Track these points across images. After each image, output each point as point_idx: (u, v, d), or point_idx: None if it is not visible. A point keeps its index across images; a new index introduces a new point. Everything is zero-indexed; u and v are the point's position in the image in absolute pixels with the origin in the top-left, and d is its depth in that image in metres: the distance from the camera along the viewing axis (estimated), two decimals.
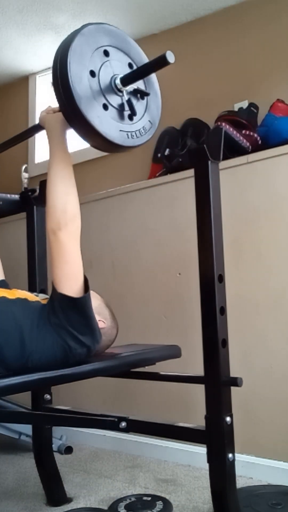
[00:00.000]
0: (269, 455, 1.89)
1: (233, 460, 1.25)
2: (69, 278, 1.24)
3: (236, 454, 1.27)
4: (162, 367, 1.58)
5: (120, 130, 1.17)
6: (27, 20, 2.63)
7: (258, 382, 1.92)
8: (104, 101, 1.15)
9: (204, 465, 1.29)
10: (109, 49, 1.21)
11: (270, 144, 2.01)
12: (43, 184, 1.88)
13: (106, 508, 1.69)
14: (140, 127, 1.23)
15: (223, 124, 2.01)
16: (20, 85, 3.30)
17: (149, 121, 1.26)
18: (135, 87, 1.20)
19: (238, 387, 1.30)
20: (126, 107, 1.19)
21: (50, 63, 3.45)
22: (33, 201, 1.84)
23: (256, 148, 2.05)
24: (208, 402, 1.29)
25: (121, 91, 1.18)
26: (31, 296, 1.37)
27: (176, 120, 2.42)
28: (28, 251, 1.84)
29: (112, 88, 1.18)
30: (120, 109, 1.19)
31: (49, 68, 3.16)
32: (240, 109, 2.27)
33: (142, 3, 2.48)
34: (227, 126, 1.96)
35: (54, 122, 1.27)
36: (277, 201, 1.95)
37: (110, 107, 1.17)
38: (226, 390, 1.29)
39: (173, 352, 1.61)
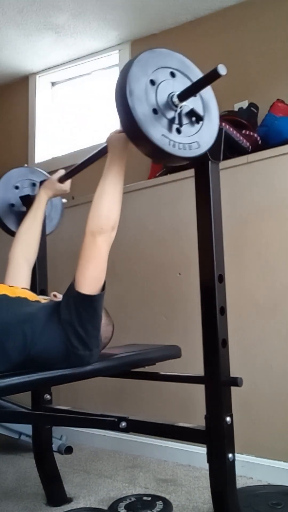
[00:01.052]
0: (269, 455, 1.89)
1: (233, 460, 1.25)
2: (93, 281, 1.29)
3: (236, 454, 1.26)
4: (162, 367, 1.58)
5: (162, 135, 1.16)
6: (27, 20, 2.63)
7: (258, 382, 1.92)
8: (155, 107, 1.17)
9: (204, 465, 1.29)
10: (173, 71, 1.25)
11: (270, 144, 2.02)
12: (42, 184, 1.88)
13: (106, 508, 1.69)
14: (186, 142, 1.21)
15: (223, 124, 2.01)
16: (20, 85, 3.30)
17: (197, 142, 1.24)
18: (192, 107, 1.22)
19: (238, 387, 1.30)
20: (177, 121, 1.20)
21: (50, 63, 3.49)
22: (33, 201, 1.84)
23: (256, 148, 2.05)
24: (208, 402, 1.29)
25: (176, 107, 1.20)
26: (32, 295, 1.39)
27: None
28: None
29: (168, 104, 1.19)
30: (171, 121, 1.19)
31: (49, 68, 3.17)
32: (240, 109, 2.27)
33: (142, 3, 2.48)
34: (227, 126, 1.96)
35: (117, 141, 1.36)
36: (277, 201, 1.95)
37: (161, 115, 1.18)
38: (226, 390, 1.29)
39: (173, 352, 1.61)
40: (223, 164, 1.35)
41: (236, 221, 2.00)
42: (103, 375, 1.43)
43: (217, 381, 1.27)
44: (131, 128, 1.14)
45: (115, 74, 2.95)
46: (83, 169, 1.74)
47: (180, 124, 1.20)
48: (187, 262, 2.14)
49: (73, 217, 2.63)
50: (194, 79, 1.26)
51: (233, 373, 1.32)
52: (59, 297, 1.39)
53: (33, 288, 1.79)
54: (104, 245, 1.30)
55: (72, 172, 1.75)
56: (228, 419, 1.26)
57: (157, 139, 1.14)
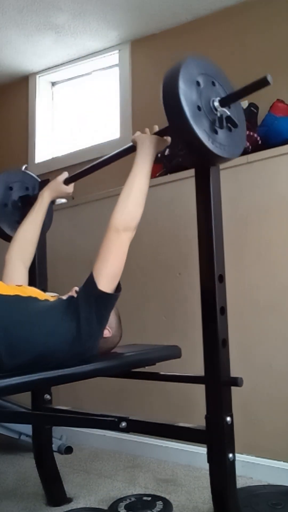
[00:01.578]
0: (269, 455, 1.89)
1: (233, 460, 1.25)
2: (111, 277, 1.30)
3: (236, 454, 1.27)
4: (162, 367, 1.58)
5: (204, 130, 1.22)
6: (27, 20, 2.63)
7: (258, 382, 1.92)
8: (199, 104, 1.24)
9: (204, 465, 1.29)
10: (213, 79, 1.32)
11: (270, 144, 2.01)
12: (42, 184, 1.88)
13: (106, 508, 1.69)
14: (221, 143, 1.28)
15: None
16: (20, 85, 3.30)
17: (229, 146, 1.31)
18: (229, 114, 1.28)
19: (238, 387, 1.30)
20: (217, 123, 1.27)
21: (50, 63, 3.48)
22: (32, 201, 1.84)
23: (256, 148, 2.05)
24: (208, 402, 1.29)
25: (216, 111, 1.27)
26: (40, 294, 1.41)
27: None
28: None
29: (209, 107, 1.26)
30: (211, 122, 1.26)
31: (49, 68, 3.17)
32: None
33: (142, 3, 2.48)
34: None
35: (148, 142, 1.40)
36: (277, 201, 1.95)
37: (203, 113, 1.24)
38: (226, 390, 1.29)
39: (173, 353, 1.61)
40: (223, 164, 1.35)
41: (236, 221, 2.00)
42: (103, 375, 1.43)
43: (217, 381, 1.27)
44: (179, 120, 1.19)
45: (115, 74, 2.95)
46: (91, 172, 1.73)
47: (220, 126, 1.27)
48: (187, 262, 2.14)
49: (73, 217, 2.63)
50: (227, 90, 1.34)
51: (233, 373, 1.32)
52: None
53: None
54: (127, 242, 1.32)
55: (79, 174, 1.74)
56: (228, 419, 1.26)
57: (199, 133, 1.19)
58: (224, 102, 1.28)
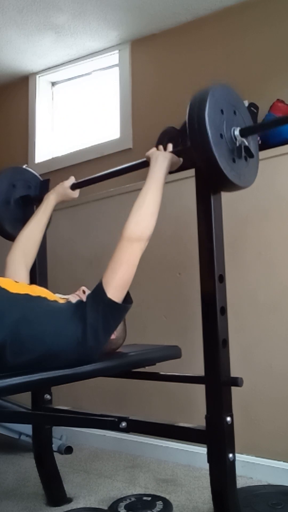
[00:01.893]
0: (269, 455, 1.89)
1: (233, 460, 1.25)
2: (120, 287, 1.32)
3: (236, 454, 1.27)
4: (162, 367, 1.58)
5: (224, 158, 1.26)
6: (27, 20, 2.63)
7: (258, 382, 1.92)
8: (222, 133, 1.28)
9: (204, 465, 1.29)
10: (235, 109, 1.36)
11: (270, 144, 2.01)
12: (43, 184, 1.88)
13: (106, 508, 1.69)
14: (237, 172, 1.32)
15: None
16: (20, 85, 3.30)
17: (244, 175, 1.35)
18: (247, 144, 1.32)
19: (238, 387, 1.30)
20: (235, 152, 1.31)
21: (50, 63, 3.48)
22: (33, 201, 1.85)
23: None
24: (208, 402, 1.29)
25: (236, 140, 1.31)
26: (50, 294, 1.40)
27: (176, 120, 2.42)
28: None
29: (230, 135, 1.30)
30: (231, 150, 1.30)
31: (49, 68, 3.17)
32: None
33: (142, 3, 2.48)
34: None
35: (163, 158, 1.43)
36: (277, 201, 1.95)
37: (225, 141, 1.29)
38: (227, 390, 1.29)
39: (173, 353, 1.61)
40: None
41: (236, 221, 2.00)
42: (103, 375, 1.43)
43: (217, 381, 1.27)
44: (202, 145, 1.23)
45: (115, 74, 2.95)
46: (99, 181, 1.75)
47: (238, 156, 1.32)
48: (187, 262, 2.14)
49: (73, 217, 2.63)
50: (247, 121, 1.40)
51: (233, 373, 1.33)
52: (87, 292, 1.39)
53: None
54: (139, 253, 1.34)
55: (87, 182, 1.75)
56: (228, 419, 1.26)
57: (220, 161, 1.23)
58: (244, 132, 1.32)
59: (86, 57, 3.01)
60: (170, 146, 1.48)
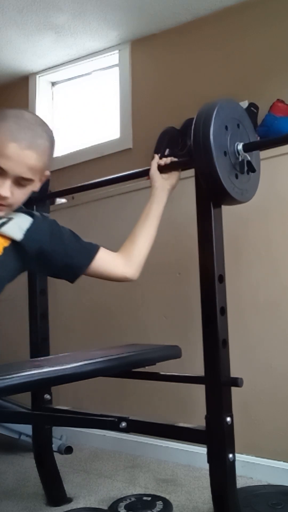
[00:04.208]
0: (269, 455, 1.89)
1: (233, 460, 1.26)
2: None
3: (236, 454, 1.27)
4: (162, 367, 1.58)
5: (227, 175, 1.29)
6: (27, 20, 2.63)
7: (258, 382, 1.92)
8: (226, 150, 1.30)
9: (204, 465, 1.29)
10: (238, 122, 1.37)
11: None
12: (43, 184, 1.88)
13: (106, 508, 1.69)
14: (239, 188, 1.34)
15: None
16: (20, 85, 3.30)
17: (246, 190, 1.38)
18: (249, 159, 1.33)
19: (238, 387, 1.30)
20: (238, 167, 1.32)
21: (50, 63, 3.48)
22: (33, 200, 1.84)
23: None
24: (208, 402, 1.29)
25: (239, 155, 1.32)
26: None
27: (176, 120, 2.42)
28: None
29: (233, 150, 1.32)
30: (233, 166, 1.32)
31: (49, 68, 3.17)
32: None
33: (142, 3, 2.48)
34: None
35: (166, 191, 1.46)
36: (277, 201, 1.95)
37: (228, 158, 1.30)
38: (227, 390, 1.29)
39: (173, 352, 1.61)
40: None
41: (236, 220, 2.00)
42: (103, 375, 1.43)
43: (217, 381, 1.27)
44: (206, 162, 1.24)
45: (115, 74, 2.95)
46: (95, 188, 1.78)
47: (241, 171, 1.33)
48: (187, 262, 2.13)
49: (73, 217, 2.63)
50: (250, 134, 1.41)
51: (233, 373, 1.32)
52: None
53: (33, 287, 1.80)
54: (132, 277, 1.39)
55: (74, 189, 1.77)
56: (228, 419, 1.26)
57: (223, 179, 1.26)
58: (248, 148, 1.33)
59: (86, 57, 3.01)
60: (169, 159, 1.49)
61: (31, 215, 1.27)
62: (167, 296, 2.24)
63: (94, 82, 3.13)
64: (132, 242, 1.39)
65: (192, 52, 2.55)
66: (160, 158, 1.53)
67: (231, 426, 1.26)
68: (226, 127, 1.30)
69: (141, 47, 2.78)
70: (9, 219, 1.22)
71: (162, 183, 1.45)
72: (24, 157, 1.13)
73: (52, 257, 1.27)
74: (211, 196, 1.32)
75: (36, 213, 1.29)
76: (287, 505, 1.59)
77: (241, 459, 1.80)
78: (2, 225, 1.20)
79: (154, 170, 1.47)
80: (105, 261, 1.34)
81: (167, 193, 1.46)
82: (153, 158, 1.50)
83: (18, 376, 1.18)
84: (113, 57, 2.93)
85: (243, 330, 1.96)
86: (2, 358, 2.66)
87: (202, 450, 1.32)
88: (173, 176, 1.48)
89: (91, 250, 1.32)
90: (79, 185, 1.76)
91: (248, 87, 2.32)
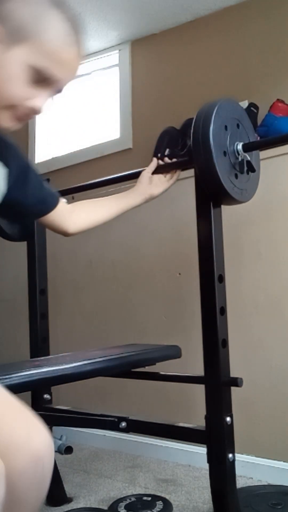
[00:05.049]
0: (269, 455, 1.89)
1: (233, 460, 1.26)
2: None
3: (236, 454, 1.27)
4: (162, 367, 1.58)
5: (227, 176, 1.29)
6: None
7: (258, 382, 1.92)
8: (225, 150, 1.30)
9: (204, 465, 1.29)
10: (238, 122, 1.37)
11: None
12: None
13: (106, 508, 1.69)
14: (239, 188, 1.34)
15: None
16: None
17: (246, 190, 1.38)
18: (249, 159, 1.33)
19: (238, 387, 1.30)
20: (237, 167, 1.33)
21: None
22: None
23: None
24: (208, 402, 1.29)
25: (239, 155, 1.33)
26: None
27: (176, 120, 2.42)
28: (28, 250, 1.84)
29: (233, 150, 1.32)
30: (233, 166, 1.32)
31: None
32: None
33: (142, 3, 2.48)
34: None
35: (145, 191, 1.45)
36: (277, 201, 1.95)
37: (228, 158, 1.30)
38: (226, 390, 1.29)
39: (173, 352, 1.61)
40: None
41: (236, 220, 2.00)
42: (103, 375, 1.43)
43: (217, 381, 1.27)
44: (205, 162, 1.24)
45: (115, 74, 2.95)
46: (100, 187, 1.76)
47: (240, 171, 1.34)
48: (187, 262, 2.14)
49: None
50: (250, 134, 1.41)
51: (233, 373, 1.32)
52: None
53: (33, 287, 1.80)
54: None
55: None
56: (228, 419, 1.26)
57: (223, 179, 1.25)
58: (247, 148, 1.33)
59: (86, 57, 3.00)
60: (167, 159, 1.49)
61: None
62: (167, 296, 2.24)
63: (94, 82, 3.13)
64: (90, 207, 1.36)
65: (192, 52, 2.55)
66: (161, 158, 1.53)
67: (231, 426, 1.27)
68: (226, 127, 1.30)
69: (141, 47, 2.77)
70: None
71: (144, 188, 1.44)
72: (78, 67, 0.95)
73: (29, 187, 1.17)
74: (211, 196, 1.32)
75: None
76: (287, 505, 1.59)
77: (241, 459, 1.80)
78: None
79: (146, 173, 1.47)
80: (62, 213, 1.27)
81: (142, 200, 1.44)
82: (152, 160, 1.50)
83: (18, 376, 1.18)
84: (113, 57, 2.93)
85: (243, 330, 1.96)
86: (2, 358, 2.66)
87: (202, 450, 1.32)
88: (162, 184, 1.48)
89: (56, 196, 1.25)
90: (79, 185, 1.75)
91: (248, 87, 2.31)
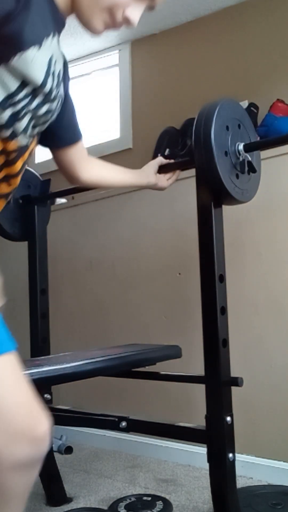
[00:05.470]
0: (269, 455, 1.89)
1: (233, 460, 1.26)
2: None
3: (236, 454, 1.27)
4: (162, 367, 1.58)
5: (228, 175, 1.29)
6: None
7: (258, 382, 1.92)
8: (226, 150, 1.31)
9: (204, 465, 1.29)
10: (239, 123, 1.38)
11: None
12: (44, 184, 1.88)
13: (106, 508, 1.69)
14: (240, 188, 1.35)
15: None
16: None
17: (246, 190, 1.38)
18: (250, 160, 1.34)
19: (238, 387, 1.30)
20: (238, 167, 1.33)
21: None
22: (34, 201, 1.85)
23: None
24: (208, 402, 1.29)
25: (240, 155, 1.33)
26: None
27: (176, 120, 2.42)
28: (29, 250, 1.84)
29: (234, 150, 1.33)
30: (234, 166, 1.33)
31: None
32: None
33: None
34: None
35: (149, 179, 1.49)
36: (277, 201, 1.95)
37: (229, 158, 1.31)
38: (227, 390, 1.29)
39: (174, 352, 1.61)
40: None
41: (236, 220, 2.00)
42: (103, 375, 1.43)
43: (217, 381, 1.27)
44: (207, 163, 1.25)
45: (115, 74, 2.95)
46: None
47: (241, 171, 1.33)
48: (187, 262, 2.14)
49: (73, 217, 2.63)
50: (251, 134, 1.41)
51: (233, 373, 1.32)
52: None
53: (33, 287, 1.80)
54: None
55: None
56: (228, 419, 1.26)
57: (224, 179, 1.26)
58: (248, 148, 1.33)
59: (86, 57, 3.00)
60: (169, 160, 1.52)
61: None
62: (167, 296, 2.24)
63: (94, 82, 3.13)
64: (104, 165, 1.38)
65: (192, 52, 2.55)
66: (161, 157, 1.54)
67: (231, 425, 1.26)
68: (227, 127, 1.30)
69: (141, 47, 2.77)
70: None
71: (151, 172, 1.49)
72: None
73: (67, 109, 1.16)
74: (212, 196, 1.32)
75: None
76: (287, 505, 1.59)
77: (241, 459, 1.80)
78: None
79: (154, 162, 1.51)
80: (82, 153, 1.29)
81: (146, 183, 1.48)
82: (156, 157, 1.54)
83: None
84: (113, 57, 2.93)
85: (243, 330, 1.96)
86: None
87: (202, 450, 1.32)
88: (162, 182, 1.52)
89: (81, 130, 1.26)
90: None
91: (248, 87, 2.31)
